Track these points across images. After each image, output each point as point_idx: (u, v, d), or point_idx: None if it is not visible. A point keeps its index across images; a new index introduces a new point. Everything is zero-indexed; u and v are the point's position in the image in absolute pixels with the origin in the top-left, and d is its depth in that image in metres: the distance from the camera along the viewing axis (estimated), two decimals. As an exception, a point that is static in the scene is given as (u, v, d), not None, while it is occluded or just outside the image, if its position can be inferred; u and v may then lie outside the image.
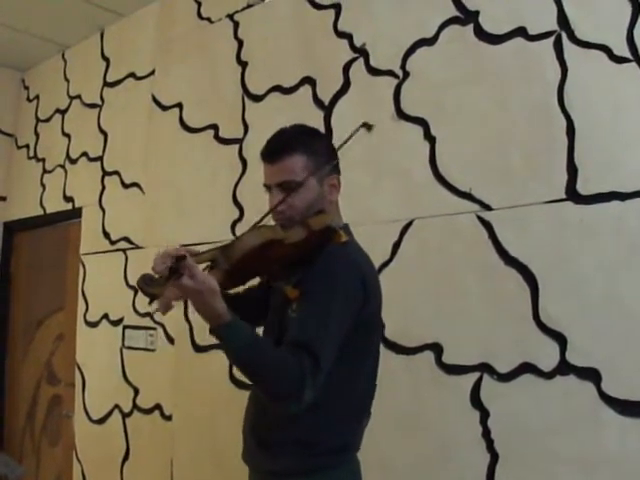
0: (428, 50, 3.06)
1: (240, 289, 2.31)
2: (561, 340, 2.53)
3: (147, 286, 1.72)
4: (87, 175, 4.92)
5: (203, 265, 1.85)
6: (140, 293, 1.89)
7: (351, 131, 2.26)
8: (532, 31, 2.73)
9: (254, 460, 2.15)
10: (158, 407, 4.07)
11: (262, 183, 2.19)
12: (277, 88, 3.67)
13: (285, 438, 2.02)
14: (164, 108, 4.37)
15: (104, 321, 4.56)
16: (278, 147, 2.14)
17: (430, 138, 3.00)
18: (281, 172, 2.10)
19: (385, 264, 2.99)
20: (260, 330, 2.19)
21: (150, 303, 1.80)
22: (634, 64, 2.48)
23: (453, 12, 2.98)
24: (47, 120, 5.52)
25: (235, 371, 3.54)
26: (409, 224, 3.01)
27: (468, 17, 2.93)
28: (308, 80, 3.51)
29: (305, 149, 2.11)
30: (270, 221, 2.11)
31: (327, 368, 1.86)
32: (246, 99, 3.84)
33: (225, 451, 3.51)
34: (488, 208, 2.78)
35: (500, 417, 2.67)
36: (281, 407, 1.93)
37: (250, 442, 2.15)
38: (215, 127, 4.00)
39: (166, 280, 1.73)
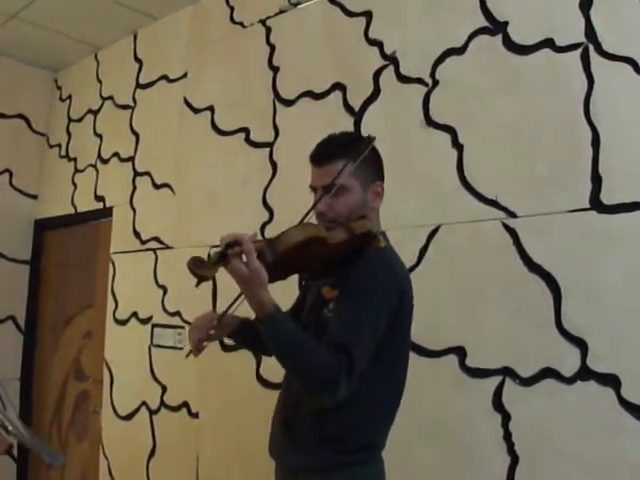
0: (457, 59, 3.10)
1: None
2: (582, 346, 2.57)
3: (197, 268, 1.79)
4: (118, 175, 4.98)
5: None
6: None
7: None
8: (560, 43, 2.77)
9: (282, 455, 2.20)
10: (185, 405, 4.12)
11: (308, 184, 2.26)
12: (308, 93, 3.72)
13: (317, 434, 2.07)
14: (196, 111, 4.43)
15: (133, 319, 4.62)
16: (327, 151, 2.21)
17: (458, 146, 3.04)
18: (327, 175, 2.15)
19: (412, 269, 3.02)
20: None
21: (197, 285, 1.87)
22: (660, 77, 2.51)
23: (482, 22, 3.02)
24: (79, 120, 5.57)
25: (262, 370, 3.60)
26: (436, 230, 3.06)
27: (497, 27, 2.97)
28: (339, 86, 3.56)
29: (353, 156, 2.15)
30: (314, 221, 2.17)
31: (361, 368, 1.92)
32: (277, 103, 3.89)
33: (251, 449, 3.55)
34: (513, 215, 2.82)
35: (521, 421, 2.71)
36: (315, 400, 2.01)
37: (280, 437, 2.20)
38: (246, 130, 4.05)
39: (215, 264, 1.81)
